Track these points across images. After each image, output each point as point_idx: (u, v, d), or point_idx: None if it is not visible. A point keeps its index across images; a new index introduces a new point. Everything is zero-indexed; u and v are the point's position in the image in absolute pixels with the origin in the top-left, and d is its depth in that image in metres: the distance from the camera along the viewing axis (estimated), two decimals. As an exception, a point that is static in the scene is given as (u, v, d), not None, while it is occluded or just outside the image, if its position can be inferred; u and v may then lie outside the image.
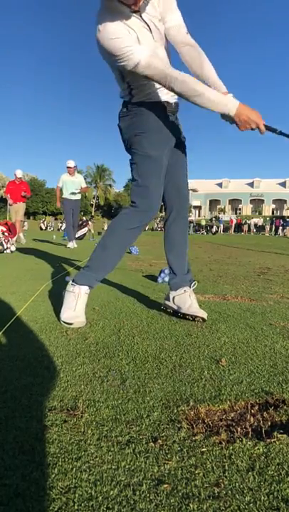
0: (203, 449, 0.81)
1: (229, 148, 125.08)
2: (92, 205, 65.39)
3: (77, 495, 0.67)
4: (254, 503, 0.66)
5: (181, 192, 1.96)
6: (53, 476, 0.72)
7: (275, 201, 65.86)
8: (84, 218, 16.63)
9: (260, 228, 36.20)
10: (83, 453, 0.80)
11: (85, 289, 1.80)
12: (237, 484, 0.71)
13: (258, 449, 0.82)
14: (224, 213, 54.63)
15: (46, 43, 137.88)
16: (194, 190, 58.75)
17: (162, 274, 3.15)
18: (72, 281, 1.82)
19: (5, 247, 5.92)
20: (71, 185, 7.71)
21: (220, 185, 70.50)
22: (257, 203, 66.34)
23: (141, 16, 1.56)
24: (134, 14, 1.54)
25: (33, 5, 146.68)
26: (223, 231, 34.65)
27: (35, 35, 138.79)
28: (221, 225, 35.48)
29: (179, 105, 1.85)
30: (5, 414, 0.94)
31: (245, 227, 35.74)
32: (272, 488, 0.70)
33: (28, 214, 57.34)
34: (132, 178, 1.82)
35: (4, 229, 6.43)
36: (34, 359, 1.32)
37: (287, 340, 1.61)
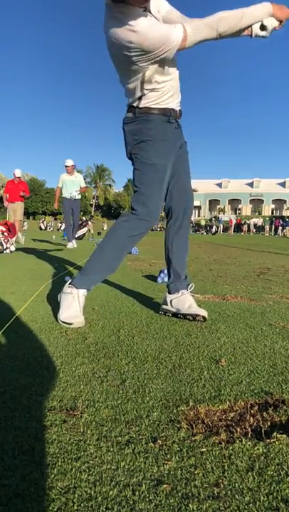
0: (203, 449, 0.81)
1: (229, 149, 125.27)
2: (91, 205, 65.37)
3: (76, 495, 0.67)
4: (254, 504, 0.66)
5: (185, 197, 1.97)
6: (53, 476, 0.72)
7: (274, 201, 65.90)
8: (84, 218, 16.61)
9: (259, 228, 36.23)
10: (83, 453, 0.80)
11: (82, 291, 1.81)
12: (237, 484, 0.71)
13: (258, 449, 0.82)
14: (224, 213, 54.70)
15: (46, 40, 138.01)
16: (194, 190, 57.79)
17: (162, 274, 3.15)
18: (70, 284, 1.82)
19: (4, 247, 5.91)
20: (71, 185, 7.69)
21: (219, 185, 70.55)
22: (256, 203, 66.37)
23: (150, 12, 1.61)
24: (145, 12, 1.57)
25: (32, 2, 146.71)
26: (223, 231, 34.66)
27: (35, 32, 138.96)
28: (221, 225, 35.49)
29: (182, 113, 1.86)
30: (4, 415, 0.94)
31: (245, 227, 35.77)
32: (272, 488, 0.70)
33: (27, 214, 57.35)
34: (134, 184, 1.82)
35: (4, 229, 6.42)
36: (33, 359, 1.32)
37: (286, 341, 1.61)
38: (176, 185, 1.91)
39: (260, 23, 1.66)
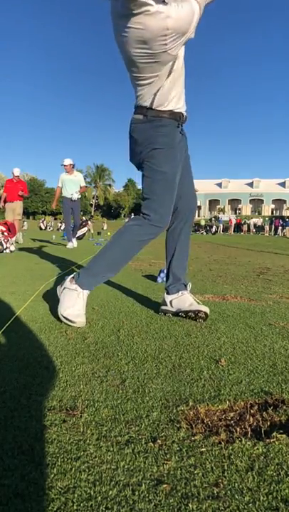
0: (203, 449, 0.81)
1: (229, 149, 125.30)
2: (91, 205, 65.37)
3: (76, 495, 0.67)
4: (253, 503, 0.66)
5: (189, 201, 1.98)
6: (52, 476, 0.72)
7: (274, 201, 65.92)
8: (83, 218, 16.61)
9: (259, 228, 36.21)
10: (82, 453, 0.80)
11: (86, 292, 1.80)
12: (236, 484, 0.71)
13: (258, 449, 0.82)
14: (224, 213, 54.69)
15: (46, 36, 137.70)
16: (194, 190, 58.81)
17: (162, 274, 3.15)
18: (75, 282, 1.80)
19: (4, 246, 5.91)
20: (70, 184, 7.66)
21: (219, 185, 70.56)
22: (256, 203, 66.38)
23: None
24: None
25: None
26: (223, 231, 34.65)
27: (35, 28, 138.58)
28: (221, 225, 35.48)
29: (187, 119, 1.86)
30: (4, 414, 0.94)
31: (245, 227, 35.75)
32: (272, 488, 0.70)
33: (27, 214, 57.38)
34: (144, 191, 1.81)
35: (4, 229, 6.42)
36: (33, 359, 1.32)
37: (286, 340, 1.61)
38: (182, 188, 1.91)
39: None
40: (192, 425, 0.91)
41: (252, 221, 37.92)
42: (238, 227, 36.45)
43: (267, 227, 34.79)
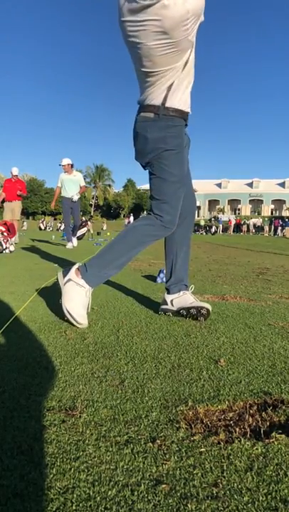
0: (202, 449, 0.81)
1: (228, 149, 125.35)
2: (91, 205, 65.36)
3: (75, 495, 0.67)
4: (252, 504, 0.66)
5: (190, 201, 1.98)
6: (51, 476, 0.72)
7: (274, 201, 65.96)
8: (83, 218, 16.61)
9: (259, 228, 36.25)
10: (81, 453, 0.80)
11: (91, 290, 1.79)
12: (235, 484, 0.71)
13: (257, 449, 0.82)
14: (223, 213, 54.74)
15: (47, 33, 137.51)
16: (193, 190, 58.89)
17: (161, 274, 3.15)
18: (81, 275, 1.75)
19: (4, 247, 5.91)
20: (70, 184, 7.63)
21: (219, 185, 70.59)
22: (256, 203, 66.42)
23: None
24: None
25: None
26: (222, 231, 34.69)
27: (34, 22, 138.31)
28: (220, 225, 35.51)
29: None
30: (3, 414, 0.94)
31: (245, 228, 35.77)
32: (271, 488, 0.70)
33: (27, 214, 57.35)
34: (154, 192, 1.80)
35: (3, 229, 6.42)
36: (32, 359, 1.32)
37: (285, 341, 1.61)
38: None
39: None
40: (191, 425, 0.91)
41: (251, 221, 37.95)
42: (238, 228, 36.48)
43: (266, 228, 34.83)
